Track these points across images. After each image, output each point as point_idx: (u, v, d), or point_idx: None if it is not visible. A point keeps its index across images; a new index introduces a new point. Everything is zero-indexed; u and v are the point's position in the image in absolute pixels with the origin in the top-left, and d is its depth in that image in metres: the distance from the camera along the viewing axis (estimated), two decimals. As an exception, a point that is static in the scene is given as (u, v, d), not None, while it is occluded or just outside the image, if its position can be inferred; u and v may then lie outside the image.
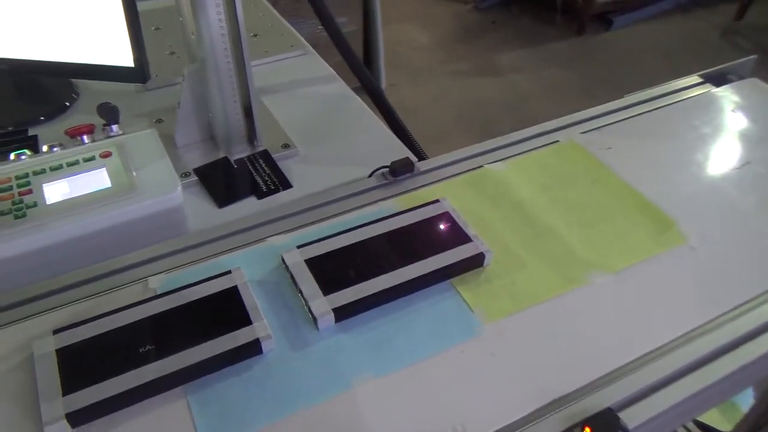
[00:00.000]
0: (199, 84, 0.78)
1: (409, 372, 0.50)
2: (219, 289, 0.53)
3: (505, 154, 0.74)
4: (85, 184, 0.68)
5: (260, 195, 0.77)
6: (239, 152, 0.83)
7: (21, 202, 0.65)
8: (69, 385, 0.46)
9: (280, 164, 0.82)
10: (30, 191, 0.66)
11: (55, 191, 0.67)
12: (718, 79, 0.88)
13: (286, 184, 0.79)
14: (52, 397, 0.45)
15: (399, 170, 0.68)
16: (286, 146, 0.85)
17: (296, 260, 0.56)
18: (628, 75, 2.72)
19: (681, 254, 0.61)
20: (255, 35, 1.11)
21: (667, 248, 0.61)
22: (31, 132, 0.89)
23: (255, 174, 0.80)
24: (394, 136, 0.92)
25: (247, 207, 0.76)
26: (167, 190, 0.68)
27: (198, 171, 0.80)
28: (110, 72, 0.85)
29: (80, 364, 0.47)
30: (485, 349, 0.52)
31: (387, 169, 0.69)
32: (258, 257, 0.59)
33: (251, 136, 0.83)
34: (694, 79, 0.89)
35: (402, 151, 0.89)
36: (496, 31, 3.10)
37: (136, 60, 0.83)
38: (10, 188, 0.67)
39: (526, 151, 0.74)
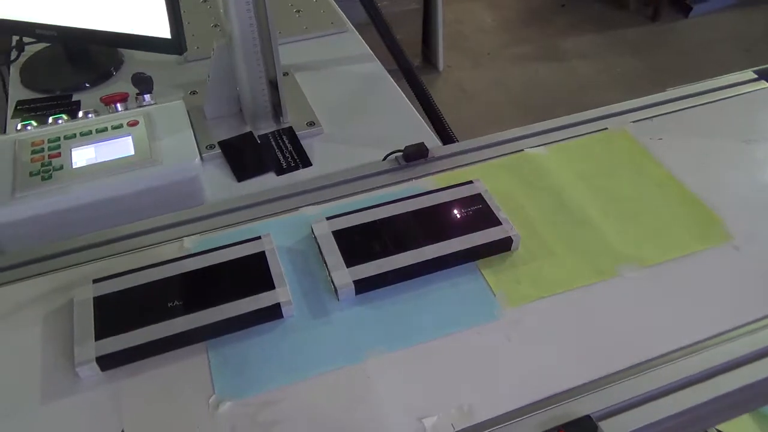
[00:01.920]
0: (228, 59, 0.79)
1: (423, 349, 0.50)
2: (248, 253, 0.55)
3: (549, 139, 0.71)
4: (110, 151, 0.70)
5: (279, 171, 0.78)
6: (265, 128, 0.84)
7: (49, 164, 0.68)
8: (102, 331, 0.49)
9: (304, 142, 0.83)
10: (59, 154, 0.70)
11: (81, 156, 0.70)
12: (775, 77, 0.82)
13: (306, 162, 0.79)
14: (86, 341, 0.48)
15: (412, 155, 0.67)
16: (311, 124, 0.85)
17: (324, 231, 0.57)
18: (702, 67, 2.56)
19: (722, 253, 0.58)
20: (298, 11, 1.11)
21: (708, 246, 0.58)
22: (75, 97, 0.94)
23: (277, 150, 0.81)
24: (422, 120, 0.90)
25: (266, 182, 0.78)
26: (185, 161, 0.70)
27: (222, 144, 0.81)
28: (148, 42, 0.87)
29: (114, 312, 0.50)
30: (502, 334, 0.51)
31: (401, 154, 0.68)
32: (289, 226, 0.60)
33: (277, 112, 0.84)
34: (749, 74, 0.83)
35: (428, 136, 0.87)
36: (564, 14, 2.97)
37: (172, 32, 0.85)
38: (42, 150, 0.70)
39: (570, 137, 0.71)
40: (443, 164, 0.69)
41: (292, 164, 0.79)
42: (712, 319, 0.52)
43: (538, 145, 0.70)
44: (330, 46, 1.04)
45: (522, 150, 0.69)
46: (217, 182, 0.78)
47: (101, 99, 0.80)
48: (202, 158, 0.78)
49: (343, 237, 0.56)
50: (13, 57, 1.02)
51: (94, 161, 0.69)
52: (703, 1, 2.87)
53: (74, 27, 0.90)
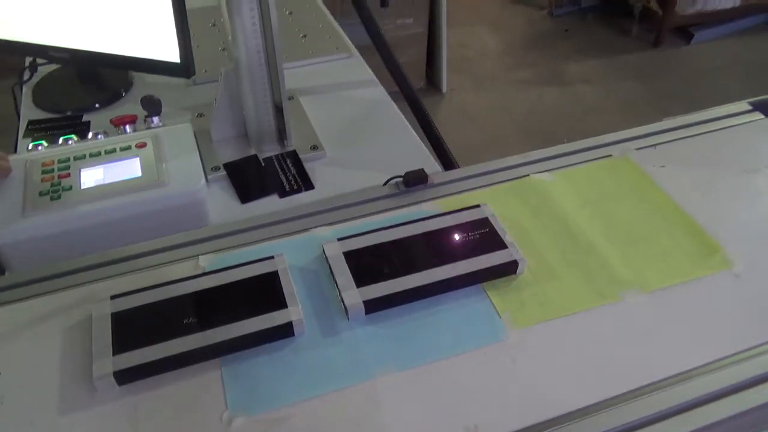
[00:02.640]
0: (235, 85, 0.81)
1: (431, 368, 0.51)
2: (261, 272, 0.56)
3: (552, 165, 0.73)
4: (118, 172, 0.72)
5: (282, 193, 0.80)
6: (269, 150, 0.86)
7: (59, 184, 0.70)
8: (119, 346, 0.50)
9: (307, 165, 0.84)
10: (68, 175, 0.71)
11: (90, 176, 0.72)
12: (770, 108, 0.83)
13: (308, 185, 0.81)
14: (104, 356, 0.50)
15: (412, 181, 0.69)
16: (314, 148, 0.87)
17: (335, 252, 0.58)
18: (704, 93, 2.59)
19: (722, 280, 0.59)
20: (304, 36, 1.14)
21: (708, 273, 0.59)
22: (85, 118, 0.96)
23: (281, 173, 0.83)
24: (424, 145, 0.92)
25: (269, 204, 0.79)
26: (191, 184, 0.72)
27: (227, 166, 0.83)
28: (158, 66, 0.90)
29: (131, 328, 0.52)
30: (507, 355, 0.53)
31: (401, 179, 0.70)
32: (301, 246, 0.62)
33: (282, 135, 0.86)
34: (743, 106, 0.84)
35: (429, 161, 0.89)
36: (568, 40, 3.02)
37: (181, 57, 0.87)
38: (52, 171, 0.72)
39: (574, 164, 0.73)
40: (443, 190, 0.70)
41: (295, 187, 0.81)
42: (712, 345, 0.54)
43: (542, 171, 0.71)
44: (335, 71, 1.07)
45: (527, 175, 0.71)
46: (221, 203, 0.79)
47: (111, 121, 0.82)
48: (207, 180, 0.80)
49: (353, 258, 0.57)
50: (26, 77, 1.05)
51: (102, 182, 0.71)
52: (704, 29, 2.91)
53: (86, 50, 0.93)
